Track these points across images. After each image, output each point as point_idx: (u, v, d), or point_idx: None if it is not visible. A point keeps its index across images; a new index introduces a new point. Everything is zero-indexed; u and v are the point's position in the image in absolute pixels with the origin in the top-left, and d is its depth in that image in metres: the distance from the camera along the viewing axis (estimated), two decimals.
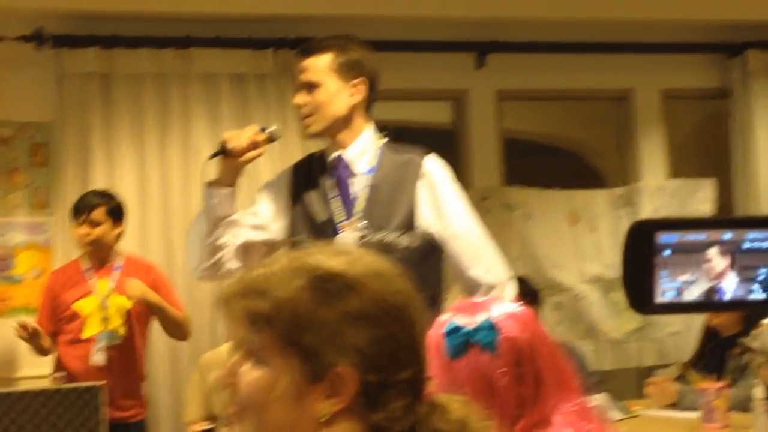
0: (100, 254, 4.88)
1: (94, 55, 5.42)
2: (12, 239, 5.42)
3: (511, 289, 3.10)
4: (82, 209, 4.82)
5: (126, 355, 4.84)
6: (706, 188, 6.32)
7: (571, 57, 6.19)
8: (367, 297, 1.34)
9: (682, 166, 6.66)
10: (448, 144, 6.19)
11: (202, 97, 5.59)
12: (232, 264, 3.09)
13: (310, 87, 3.08)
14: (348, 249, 1.42)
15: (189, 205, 5.41)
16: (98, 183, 5.33)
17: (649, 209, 6.20)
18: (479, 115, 6.18)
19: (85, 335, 4.78)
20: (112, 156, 5.45)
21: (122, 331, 4.82)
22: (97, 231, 4.84)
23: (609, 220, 6.20)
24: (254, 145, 3.03)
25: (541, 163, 7.16)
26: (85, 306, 4.80)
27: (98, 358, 4.74)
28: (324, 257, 1.37)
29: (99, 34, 5.43)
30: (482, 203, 5.72)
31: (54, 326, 4.83)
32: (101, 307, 4.81)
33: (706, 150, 7.14)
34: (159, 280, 5.00)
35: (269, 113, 5.53)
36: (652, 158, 6.43)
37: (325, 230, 3.05)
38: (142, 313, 4.89)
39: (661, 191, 6.27)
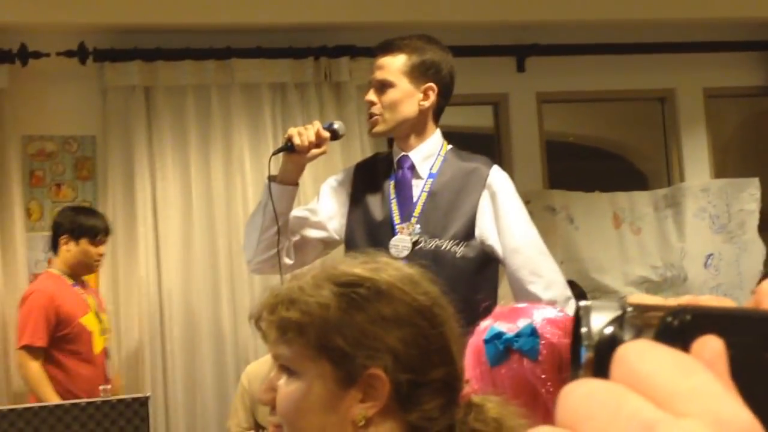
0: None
1: (136, 68, 5.47)
2: None
3: (571, 308, 2.97)
4: (104, 230, 4.92)
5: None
6: (751, 187, 6.25)
7: (611, 58, 6.16)
8: (395, 300, 1.36)
9: (727, 165, 6.60)
10: (489, 148, 6.18)
11: (244, 107, 5.62)
12: (288, 259, 3.10)
13: (383, 86, 3.06)
14: (375, 259, 1.44)
15: (232, 214, 5.45)
16: (142, 195, 5.39)
17: (694, 209, 6.15)
18: (520, 119, 6.17)
19: (96, 351, 4.84)
20: (155, 168, 5.49)
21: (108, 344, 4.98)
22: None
23: (653, 222, 6.16)
24: (318, 142, 3.02)
25: (584, 166, 7.12)
26: (89, 321, 4.83)
27: (110, 372, 4.88)
28: (350, 266, 1.39)
29: (141, 48, 5.49)
30: (525, 207, 5.70)
31: (51, 343, 4.74)
32: (97, 319, 4.89)
33: (751, 148, 7.07)
34: None
35: (310, 121, 5.51)
36: (696, 158, 6.38)
37: (383, 231, 3.03)
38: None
39: (705, 191, 6.21)
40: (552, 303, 2.94)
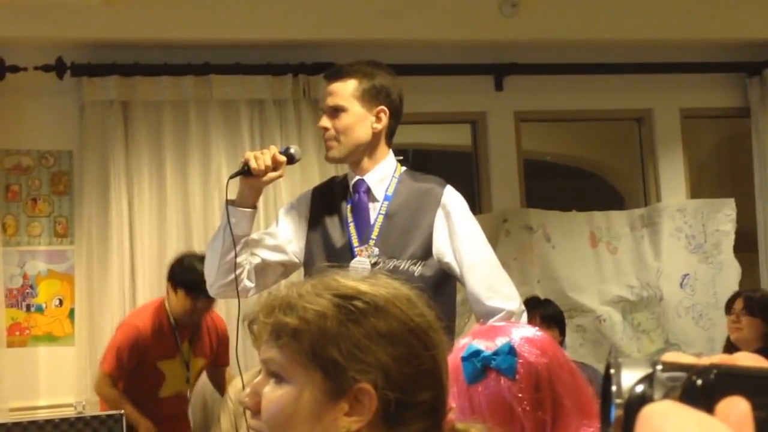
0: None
1: (114, 83, 5.45)
2: (34, 268, 5.44)
3: (525, 319, 3.10)
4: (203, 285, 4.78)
5: (186, 407, 5.01)
6: (727, 207, 6.27)
7: (589, 78, 6.19)
8: (391, 317, 1.36)
9: (703, 185, 6.63)
10: (467, 166, 6.19)
11: (222, 124, 5.60)
12: (248, 282, 3.12)
13: (335, 111, 3.11)
14: (375, 275, 1.45)
15: (209, 231, 5.41)
16: (119, 210, 5.36)
17: (670, 229, 6.17)
18: (498, 137, 6.18)
19: (162, 395, 4.82)
20: (132, 183, 5.47)
21: (192, 390, 4.99)
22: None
23: (630, 241, 6.17)
24: (275, 166, 3.05)
25: (561, 185, 7.14)
26: (169, 366, 4.82)
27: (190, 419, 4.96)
28: (352, 280, 1.40)
29: (119, 63, 5.47)
30: (502, 225, 5.71)
31: (125, 378, 4.75)
32: (184, 367, 4.87)
33: (727, 169, 7.11)
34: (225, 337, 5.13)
35: (288, 138, 5.54)
36: (672, 178, 6.40)
37: (342, 254, 3.07)
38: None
39: (681, 211, 6.23)
40: (513, 313, 3.01)
